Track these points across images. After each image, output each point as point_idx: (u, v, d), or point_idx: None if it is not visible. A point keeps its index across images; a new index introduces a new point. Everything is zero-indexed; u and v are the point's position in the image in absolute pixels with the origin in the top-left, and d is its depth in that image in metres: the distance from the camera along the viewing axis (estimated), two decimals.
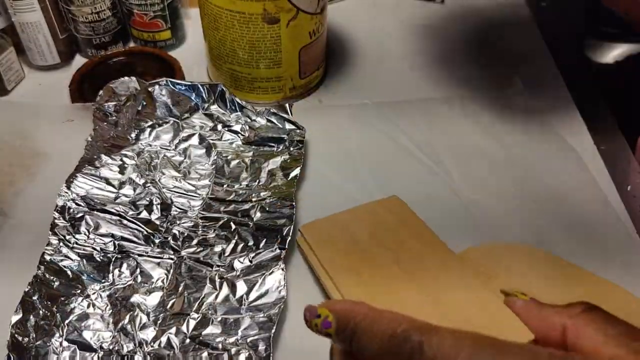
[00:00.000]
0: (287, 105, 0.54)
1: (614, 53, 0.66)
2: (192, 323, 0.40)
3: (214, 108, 0.55)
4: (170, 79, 0.55)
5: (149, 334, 0.41)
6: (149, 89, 0.54)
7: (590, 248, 0.46)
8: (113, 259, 0.45)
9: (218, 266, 0.44)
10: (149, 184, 0.50)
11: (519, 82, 0.61)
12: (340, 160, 0.53)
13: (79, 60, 0.65)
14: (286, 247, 0.44)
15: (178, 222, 0.47)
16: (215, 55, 0.57)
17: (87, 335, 0.41)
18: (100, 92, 0.55)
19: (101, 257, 0.45)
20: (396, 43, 0.67)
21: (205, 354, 0.39)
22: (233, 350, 0.39)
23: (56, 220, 0.46)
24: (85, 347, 0.40)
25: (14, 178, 0.52)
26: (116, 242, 0.46)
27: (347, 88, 0.61)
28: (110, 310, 0.42)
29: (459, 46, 0.66)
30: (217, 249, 0.45)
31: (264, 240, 0.44)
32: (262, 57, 0.55)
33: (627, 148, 0.54)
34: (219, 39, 0.55)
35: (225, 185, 0.49)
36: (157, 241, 0.46)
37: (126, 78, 0.56)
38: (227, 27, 0.53)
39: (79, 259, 0.45)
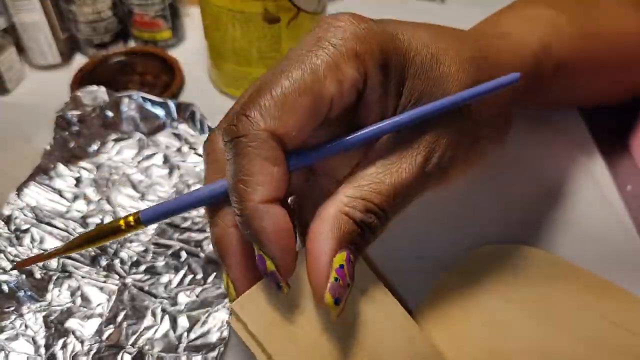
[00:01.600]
0: None
1: None
2: (127, 358, 0.38)
3: (183, 128, 0.53)
4: (143, 94, 0.53)
5: None
6: (117, 101, 0.53)
7: (591, 248, 0.46)
8: (54, 278, 0.43)
9: (162, 298, 0.42)
10: (103, 201, 0.48)
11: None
12: None
13: (79, 60, 0.64)
14: None
15: (128, 244, 0.45)
16: (216, 54, 0.57)
17: (13, 358, 0.38)
18: (67, 99, 0.53)
19: (42, 274, 0.43)
20: None
21: None
22: None
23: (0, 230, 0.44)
24: None
25: (18, 180, 0.49)
26: (60, 260, 0.44)
27: None
28: (44, 333, 0.40)
29: None
30: (164, 279, 0.43)
31: (213, 275, 0.43)
32: (262, 57, 0.54)
33: (627, 148, 0.54)
34: (220, 38, 0.54)
35: None
36: (103, 263, 0.44)
37: (95, 87, 0.54)
38: (228, 27, 0.52)
39: (17, 273, 0.42)
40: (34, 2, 0.57)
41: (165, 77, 0.60)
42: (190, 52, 0.65)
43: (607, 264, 0.43)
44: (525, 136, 0.54)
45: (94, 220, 0.46)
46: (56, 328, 0.40)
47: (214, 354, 0.38)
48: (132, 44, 0.66)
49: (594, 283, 0.42)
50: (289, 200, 0.35)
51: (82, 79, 0.60)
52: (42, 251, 0.44)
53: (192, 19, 0.68)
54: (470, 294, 0.40)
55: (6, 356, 0.39)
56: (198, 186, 0.49)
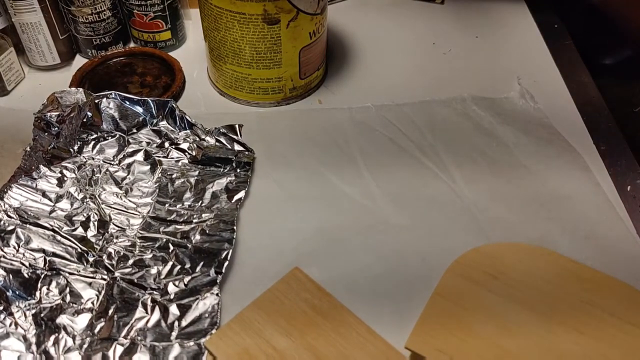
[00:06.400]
0: (237, 126, 0.53)
1: (615, 53, 0.67)
2: (120, 349, 0.39)
3: (163, 124, 0.53)
4: (119, 93, 0.53)
5: (73, 358, 0.39)
6: (96, 101, 0.53)
7: (591, 248, 0.46)
8: (42, 276, 0.43)
9: (152, 289, 0.42)
10: (87, 199, 0.48)
11: (520, 83, 0.61)
12: (341, 164, 0.53)
13: (79, 61, 0.64)
14: (223, 271, 0.42)
15: (115, 240, 0.45)
16: (216, 55, 0.57)
17: (5, 356, 0.38)
18: (44, 101, 0.53)
19: (29, 273, 0.43)
20: (396, 44, 0.67)
21: None
22: None
23: None
24: None
25: None
26: (47, 258, 0.44)
27: (347, 89, 0.61)
28: (34, 331, 0.40)
29: (459, 48, 0.67)
30: (153, 270, 0.43)
31: (201, 264, 0.43)
32: (262, 58, 0.54)
33: (627, 148, 0.55)
34: (219, 39, 0.54)
35: (167, 205, 0.48)
36: (90, 260, 0.44)
37: (73, 89, 0.54)
38: (228, 28, 0.53)
39: (4, 273, 0.42)
40: (34, 2, 0.57)
41: (165, 79, 0.61)
42: (190, 54, 0.65)
43: (607, 264, 0.44)
44: (525, 137, 0.55)
45: (79, 219, 0.46)
46: (47, 325, 0.40)
47: (206, 339, 0.39)
48: (131, 44, 0.66)
49: (596, 278, 0.42)
50: None
51: (81, 80, 0.60)
52: (29, 251, 0.44)
53: (192, 21, 0.68)
54: (473, 294, 0.41)
55: None
56: (181, 180, 0.50)
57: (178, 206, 0.48)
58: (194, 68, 0.63)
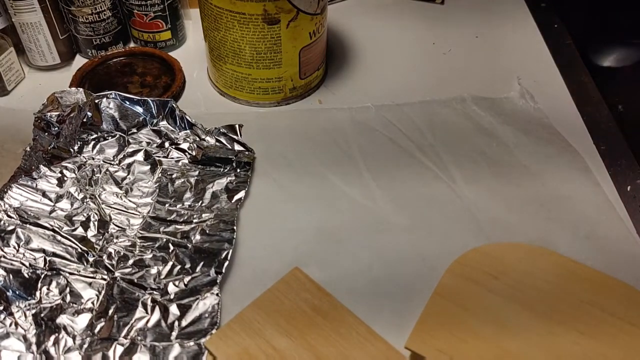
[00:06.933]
0: (237, 126, 0.53)
1: (615, 54, 0.67)
2: (120, 349, 0.39)
3: (163, 124, 0.53)
4: (119, 93, 0.53)
5: (73, 358, 0.39)
6: (96, 101, 0.53)
7: (591, 248, 0.46)
8: (42, 276, 0.43)
9: (152, 289, 0.42)
10: (87, 199, 0.48)
11: (520, 83, 0.61)
12: (341, 164, 0.53)
13: (79, 61, 0.64)
14: (223, 271, 0.42)
15: (115, 240, 0.46)
16: (216, 55, 0.57)
17: (5, 356, 0.38)
18: (44, 101, 0.53)
19: (29, 273, 0.43)
20: (396, 44, 0.67)
21: None
22: None
23: None
24: None
25: None
26: (47, 258, 0.44)
27: (347, 89, 0.61)
28: (34, 331, 0.40)
29: (459, 48, 0.67)
30: (153, 270, 0.43)
31: (201, 264, 0.43)
32: (262, 58, 0.54)
33: (627, 148, 0.55)
34: (219, 39, 0.54)
35: (167, 205, 0.48)
36: (90, 260, 0.44)
37: (73, 89, 0.54)
38: (228, 28, 0.53)
39: (5, 273, 0.42)
40: (34, 2, 0.57)
41: (165, 79, 0.61)
42: (190, 54, 0.65)
43: (607, 264, 0.44)
44: (525, 137, 0.55)
45: (80, 219, 0.46)
46: (47, 325, 0.40)
47: (205, 339, 0.39)
48: (131, 44, 0.66)
49: (596, 278, 0.42)
50: None
51: (81, 80, 0.60)
52: (29, 251, 0.44)
53: (192, 21, 0.68)
54: (473, 294, 0.41)
55: None
56: (182, 180, 0.50)
57: (178, 206, 0.48)
58: (194, 68, 0.63)
